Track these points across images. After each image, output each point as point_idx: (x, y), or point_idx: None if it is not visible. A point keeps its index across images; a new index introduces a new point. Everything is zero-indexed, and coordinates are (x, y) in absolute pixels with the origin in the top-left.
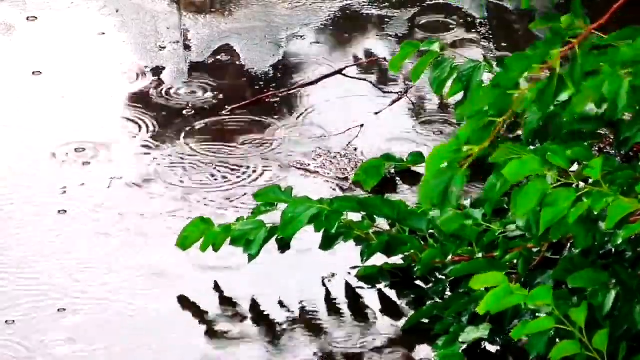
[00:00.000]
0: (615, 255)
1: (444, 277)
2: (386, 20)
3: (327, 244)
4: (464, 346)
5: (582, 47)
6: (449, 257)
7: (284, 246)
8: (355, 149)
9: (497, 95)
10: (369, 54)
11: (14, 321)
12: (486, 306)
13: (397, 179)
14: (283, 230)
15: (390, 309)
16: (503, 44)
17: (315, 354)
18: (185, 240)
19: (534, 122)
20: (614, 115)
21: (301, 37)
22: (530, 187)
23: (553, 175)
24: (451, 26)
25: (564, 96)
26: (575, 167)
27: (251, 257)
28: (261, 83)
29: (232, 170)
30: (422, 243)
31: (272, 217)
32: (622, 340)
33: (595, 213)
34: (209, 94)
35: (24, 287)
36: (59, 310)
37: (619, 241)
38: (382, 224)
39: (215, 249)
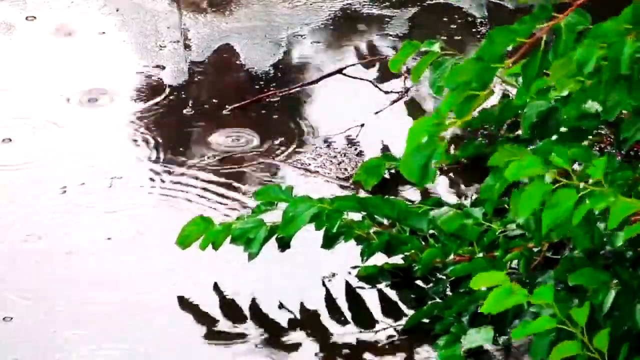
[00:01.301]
0: (616, 255)
1: (444, 277)
2: (386, 19)
3: (328, 242)
4: (466, 348)
5: (567, 23)
6: (450, 257)
7: (284, 245)
8: (356, 149)
9: (480, 69)
10: (369, 53)
11: (12, 318)
12: (488, 307)
13: (397, 178)
14: (284, 229)
15: (390, 308)
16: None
17: (315, 354)
18: (185, 238)
19: (533, 115)
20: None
21: (301, 36)
22: (531, 189)
23: (552, 174)
24: (451, 26)
25: (564, 92)
26: (575, 166)
27: (251, 256)
28: (261, 82)
29: (232, 170)
30: (423, 243)
31: (272, 216)
32: (622, 340)
33: (596, 213)
34: (209, 94)
35: (24, 283)
36: (53, 306)
37: (620, 243)
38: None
39: (215, 248)
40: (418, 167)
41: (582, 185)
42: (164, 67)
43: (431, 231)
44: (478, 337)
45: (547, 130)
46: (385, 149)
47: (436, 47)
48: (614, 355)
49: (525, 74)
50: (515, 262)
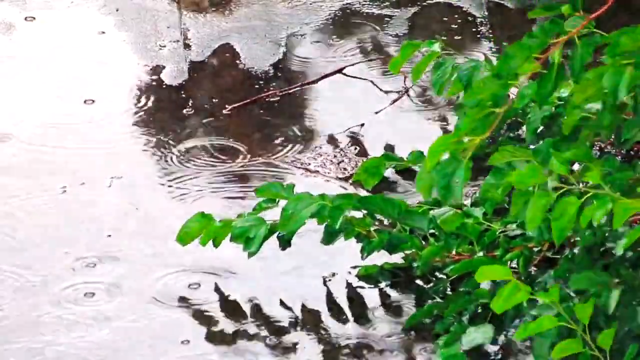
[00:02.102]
0: (616, 255)
1: (444, 277)
2: (386, 19)
3: (329, 238)
4: (466, 347)
5: (581, 38)
6: (450, 256)
7: (285, 244)
8: (356, 149)
9: (498, 86)
10: (369, 53)
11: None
12: (498, 306)
13: (398, 178)
14: (283, 226)
15: (390, 308)
16: (504, 43)
17: (315, 353)
18: (185, 235)
19: (537, 121)
20: (613, 107)
21: (301, 36)
22: (535, 199)
23: (554, 179)
24: (451, 26)
25: (564, 93)
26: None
27: (250, 254)
28: (261, 82)
29: (232, 169)
30: (423, 242)
31: (274, 214)
32: (626, 339)
33: (595, 223)
34: (208, 93)
35: (19, 283)
36: (53, 306)
37: (622, 250)
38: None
39: (216, 245)
40: (443, 185)
41: (582, 187)
42: (164, 67)
43: (431, 230)
44: (478, 336)
45: (551, 135)
46: (385, 148)
47: (436, 47)
48: (616, 354)
49: (540, 90)
50: (515, 261)
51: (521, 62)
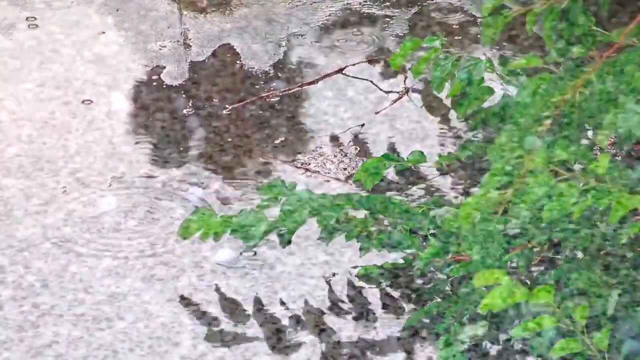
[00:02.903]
0: (617, 256)
1: (444, 277)
2: (386, 19)
3: (326, 236)
4: (465, 345)
5: (597, 74)
6: (450, 256)
7: (285, 242)
8: (356, 149)
9: (519, 137)
10: (369, 53)
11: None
12: (488, 305)
13: (398, 178)
14: (284, 221)
15: (390, 308)
16: (504, 43)
17: (315, 352)
18: (186, 230)
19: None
20: (629, 145)
21: (301, 36)
22: (535, 181)
23: (556, 168)
24: (452, 26)
25: None
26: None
27: (250, 247)
28: (261, 82)
29: (232, 170)
30: (423, 242)
31: (275, 212)
32: (625, 339)
33: (600, 208)
34: (208, 94)
35: (19, 283)
36: (53, 307)
37: (624, 240)
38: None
39: (216, 239)
40: (478, 251)
41: (583, 177)
42: (164, 67)
43: (432, 231)
44: (475, 330)
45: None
46: (385, 149)
47: (437, 44)
48: (616, 354)
49: (568, 133)
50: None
51: (537, 113)
